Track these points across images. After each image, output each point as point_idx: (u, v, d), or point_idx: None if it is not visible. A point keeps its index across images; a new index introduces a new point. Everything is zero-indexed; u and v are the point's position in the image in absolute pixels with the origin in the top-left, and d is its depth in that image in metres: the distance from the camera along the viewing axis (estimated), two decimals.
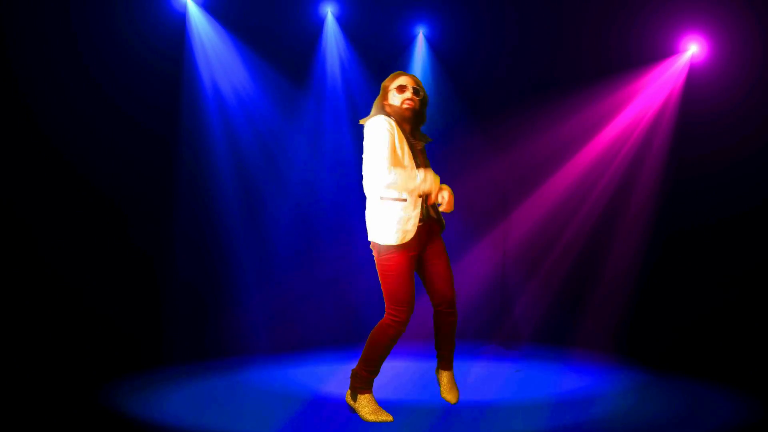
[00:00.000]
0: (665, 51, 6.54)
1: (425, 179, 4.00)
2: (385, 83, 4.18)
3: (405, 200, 4.04)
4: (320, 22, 6.72)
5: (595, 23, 6.61)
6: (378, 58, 6.87)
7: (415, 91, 4.12)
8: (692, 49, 6.44)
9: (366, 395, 4.16)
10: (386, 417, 4.12)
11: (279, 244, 6.72)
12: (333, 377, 5.34)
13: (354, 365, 4.30)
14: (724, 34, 6.29)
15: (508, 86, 6.89)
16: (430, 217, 4.13)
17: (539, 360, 5.87)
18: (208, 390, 5.06)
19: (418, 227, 4.07)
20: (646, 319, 6.37)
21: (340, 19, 6.75)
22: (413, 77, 4.20)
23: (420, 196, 4.06)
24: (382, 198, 4.06)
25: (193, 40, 6.33)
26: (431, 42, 6.97)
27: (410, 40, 6.98)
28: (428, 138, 4.29)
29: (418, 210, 4.06)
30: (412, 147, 4.09)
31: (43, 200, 5.86)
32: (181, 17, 6.27)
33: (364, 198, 4.17)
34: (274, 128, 6.73)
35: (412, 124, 4.16)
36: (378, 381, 4.50)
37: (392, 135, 4.00)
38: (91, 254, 6.02)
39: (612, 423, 4.27)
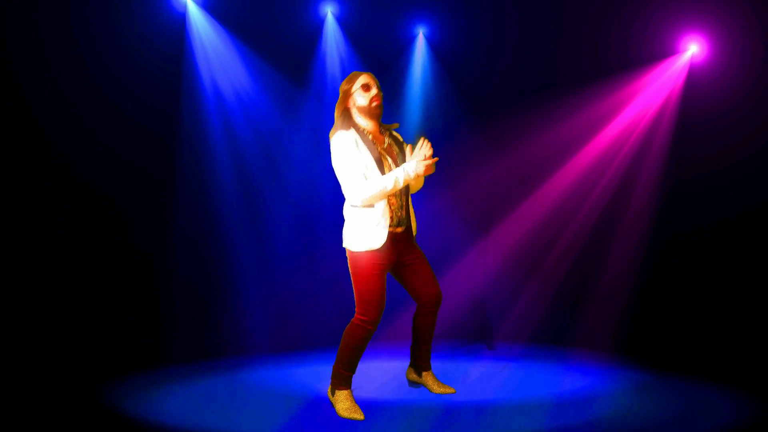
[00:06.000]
0: (665, 51, 6.54)
1: (397, 181, 3.99)
2: (344, 86, 4.16)
3: (372, 206, 4.09)
4: (320, 22, 6.72)
5: (594, 23, 6.62)
6: (378, 58, 6.87)
7: (379, 87, 4.15)
8: (692, 49, 6.44)
9: (343, 392, 4.26)
10: (358, 415, 4.19)
11: (279, 244, 6.73)
12: None
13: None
14: (723, 34, 6.29)
15: (508, 86, 6.88)
16: (407, 221, 4.17)
17: (539, 360, 5.87)
18: (208, 390, 5.06)
19: (394, 233, 4.09)
20: (646, 319, 6.37)
21: (340, 19, 6.75)
22: (371, 75, 4.20)
23: (394, 197, 4.09)
24: (352, 205, 4.14)
25: (193, 40, 6.34)
26: (431, 42, 6.96)
27: (410, 40, 6.97)
28: (393, 126, 4.29)
29: (388, 215, 4.10)
30: (374, 150, 4.10)
31: (43, 200, 5.87)
32: (181, 17, 6.29)
33: None
34: (274, 128, 6.73)
35: (379, 120, 4.17)
36: (379, 380, 4.48)
37: (357, 152, 4.00)
38: (91, 254, 6.02)
39: (612, 423, 4.27)
